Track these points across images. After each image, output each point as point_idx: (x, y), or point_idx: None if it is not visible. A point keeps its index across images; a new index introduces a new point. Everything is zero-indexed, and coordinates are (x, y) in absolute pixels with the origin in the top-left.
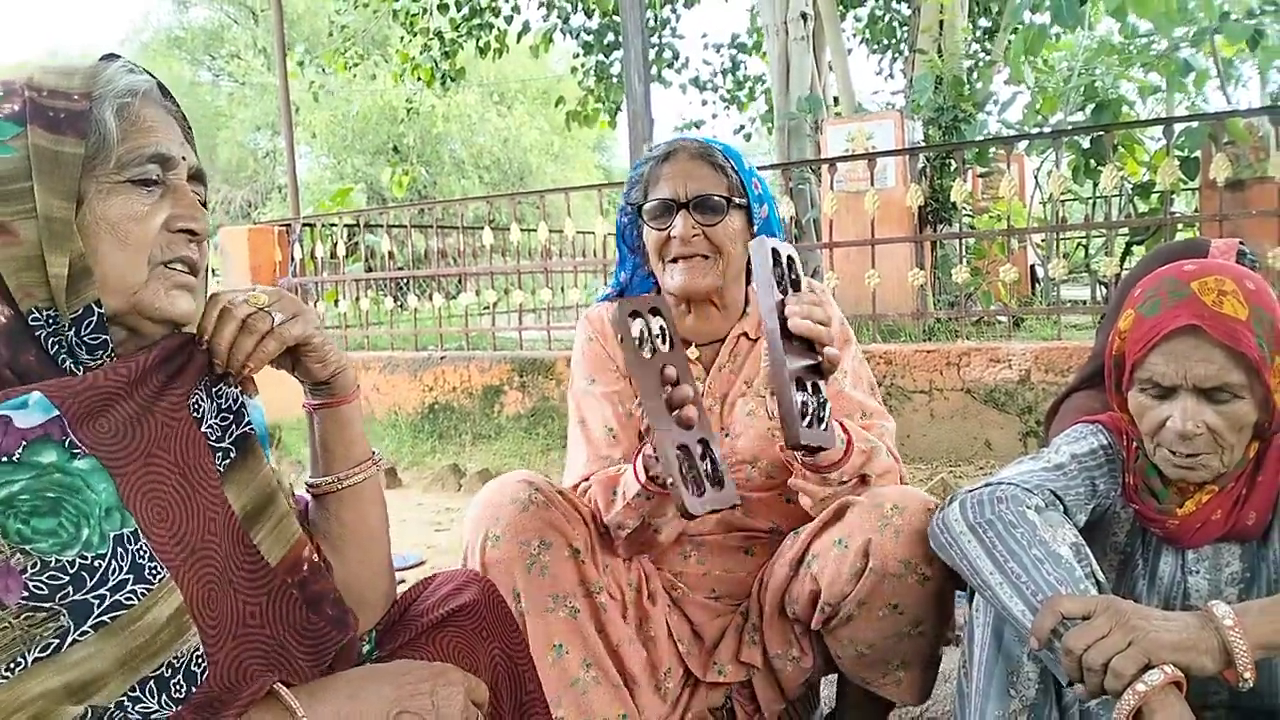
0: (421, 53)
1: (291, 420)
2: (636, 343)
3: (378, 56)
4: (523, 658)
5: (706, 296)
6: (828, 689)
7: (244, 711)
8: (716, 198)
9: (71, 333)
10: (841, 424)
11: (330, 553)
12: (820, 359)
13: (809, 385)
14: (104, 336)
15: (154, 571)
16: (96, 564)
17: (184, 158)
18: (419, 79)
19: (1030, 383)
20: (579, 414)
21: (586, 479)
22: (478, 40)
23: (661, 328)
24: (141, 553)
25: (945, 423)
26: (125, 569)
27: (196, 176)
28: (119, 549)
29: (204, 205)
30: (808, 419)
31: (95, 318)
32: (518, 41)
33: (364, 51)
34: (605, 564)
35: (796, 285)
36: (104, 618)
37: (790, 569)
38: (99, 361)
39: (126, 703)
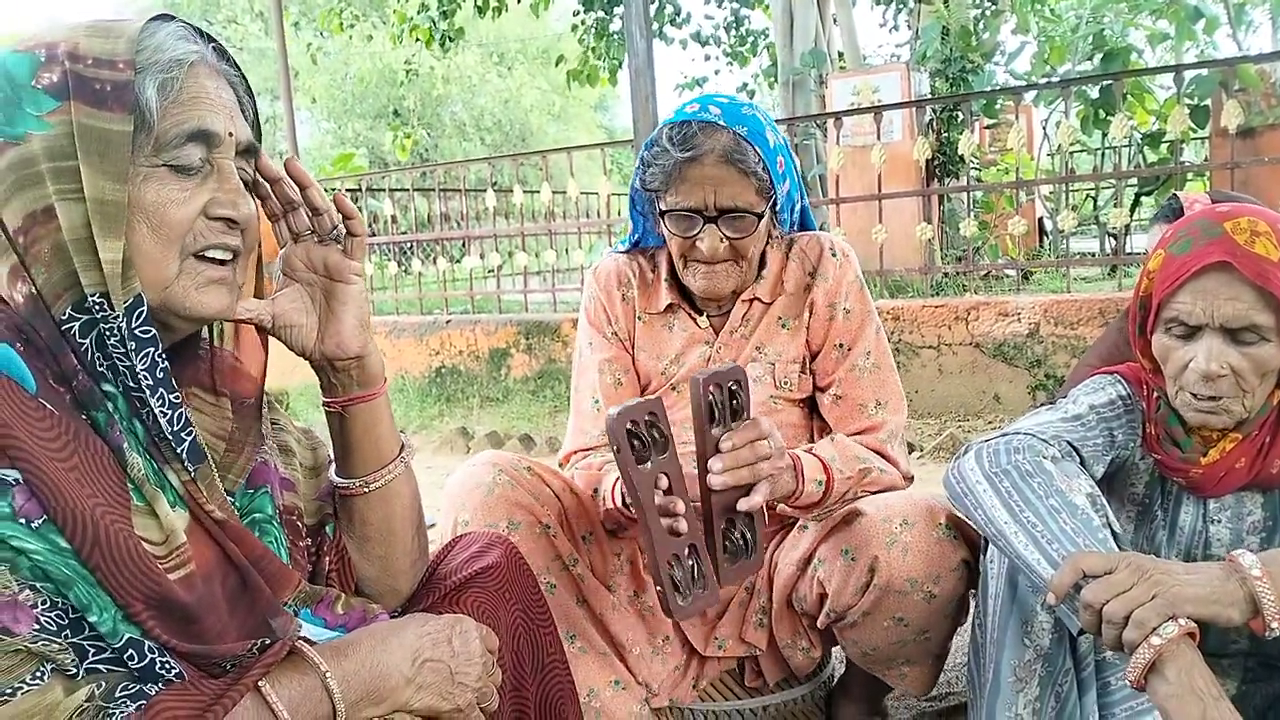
0: (419, 12)
1: (298, 385)
2: (632, 449)
3: (375, 18)
4: (544, 620)
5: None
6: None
7: (267, 671)
8: (746, 212)
9: (124, 324)
10: (822, 460)
11: (353, 549)
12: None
13: (738, 520)
14: (152, 330)
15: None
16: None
17: (231, 134)
18: (417, 40)
19: (1039, 336)
20: (575, 378)
21: (576, 452)
22: None
23: (658, 432)
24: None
25: (954, 377)
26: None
27: (248, 151)
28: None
29: (253, 182)
30: (734, 553)
31: (145, 308)
32: (517, 1)
33: (360, 12)
34: (583, 535)
35: (738, 414)
36: (98, 665)
37: (798, 568)
38: (149, 358)
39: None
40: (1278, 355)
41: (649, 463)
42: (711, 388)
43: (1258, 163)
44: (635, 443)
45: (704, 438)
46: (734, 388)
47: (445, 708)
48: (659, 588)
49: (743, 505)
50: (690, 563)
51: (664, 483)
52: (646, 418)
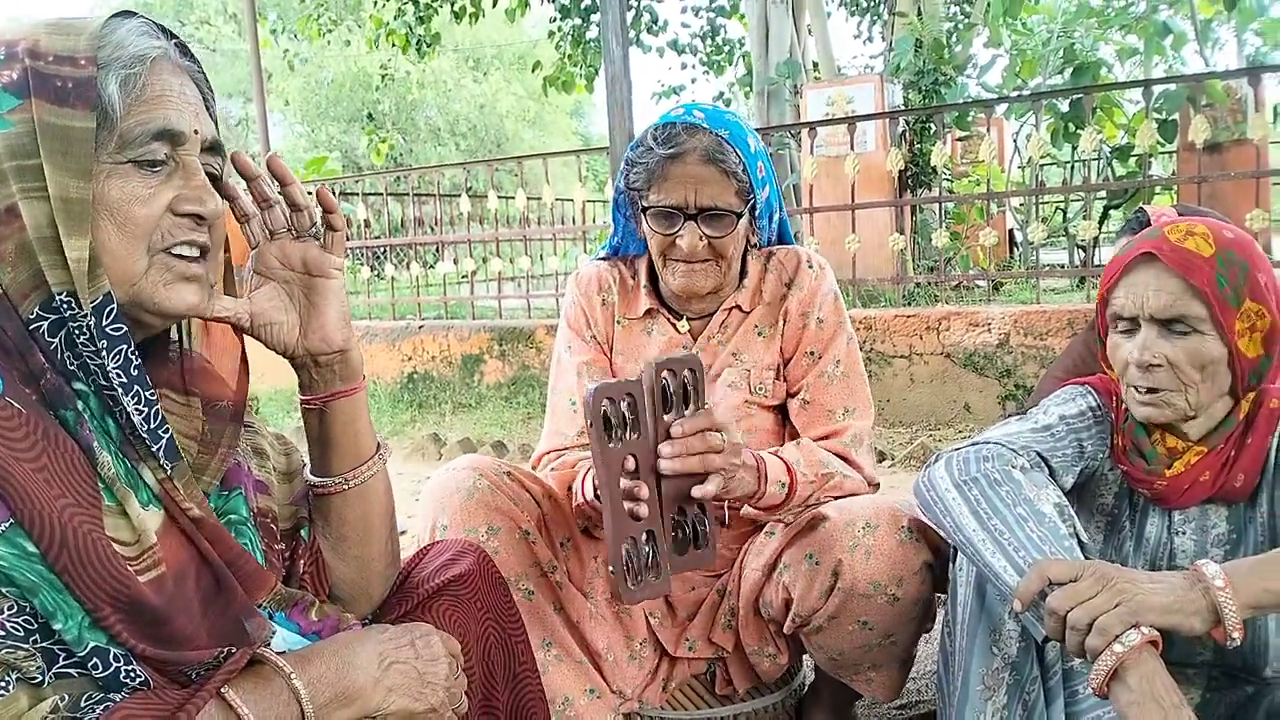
0: (396, 17)
1: (268, 389)
2: (605, 426)
3: (351, 22)
4: (516, 629)
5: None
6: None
7: (230, 677)
8: (726, 211)
9: (93, 322)
10: (786, 463)
11: (328, 550)
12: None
13: (690, 510)
14: (124, 328)
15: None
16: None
17: (196, 130)
18: (393, 44)
19: (1009, 346)
20: (553, 380)
21: (550, 452)
22: (452, 4)
23: (633, 412)
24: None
25: (925, 387)
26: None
27: (212, 148)
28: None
29: (218, 179)
30: (689, 541)
31: (114, 306)
32: (494, 6)
33: (337, 17)
34: (562, 541)
35: (690, 401)
36: (69, 670)
37: (763, 574)
38: (121, 356)
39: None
40: (1216, 347)
41: (619, 442)
42: (665, 373)
43: (1224, 177)
44: (609, 421)
45: (656, 423)
46: (688, 375)
47: (420, 709)
48: (611, 570)
49: (696, 492)
50: (647, 549)
51: (630, 464)
52: (624, 397)
